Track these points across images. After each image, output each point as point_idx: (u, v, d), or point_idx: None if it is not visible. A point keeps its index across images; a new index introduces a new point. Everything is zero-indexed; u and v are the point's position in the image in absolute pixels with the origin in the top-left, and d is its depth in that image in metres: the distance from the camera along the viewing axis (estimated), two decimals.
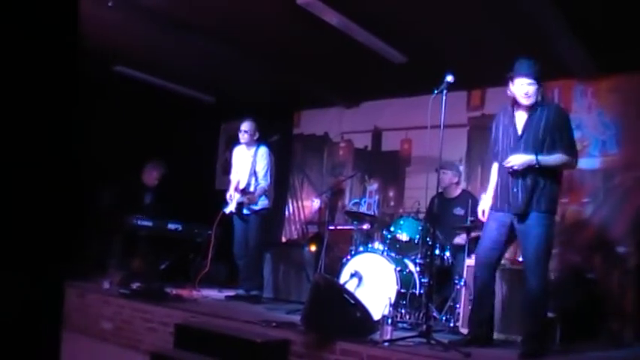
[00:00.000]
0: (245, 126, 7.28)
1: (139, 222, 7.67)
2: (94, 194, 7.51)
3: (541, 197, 4.65)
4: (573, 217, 7.18)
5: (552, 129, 4.67)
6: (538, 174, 4.66)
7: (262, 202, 7.20)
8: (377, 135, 9.31)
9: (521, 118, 4.83)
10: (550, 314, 5.26)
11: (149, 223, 7.74)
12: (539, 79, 4.72)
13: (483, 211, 5.11)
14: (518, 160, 4.71)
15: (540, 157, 4.64)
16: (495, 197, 4.97)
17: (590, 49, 6.46)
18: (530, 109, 4.78)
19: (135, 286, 6.48)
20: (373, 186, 9.07)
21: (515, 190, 4.75)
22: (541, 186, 4.66)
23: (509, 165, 4.76)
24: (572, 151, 4.73)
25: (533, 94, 4.73)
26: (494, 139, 5.03)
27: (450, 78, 4.83)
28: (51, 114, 1.15)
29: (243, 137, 7.30)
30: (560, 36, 6.07)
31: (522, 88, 4.73)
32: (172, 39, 7.49)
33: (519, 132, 4.80)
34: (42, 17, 1.18)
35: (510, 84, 4.81)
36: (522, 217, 4.70)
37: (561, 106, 5.01)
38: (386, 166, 9.09)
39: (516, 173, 4.75)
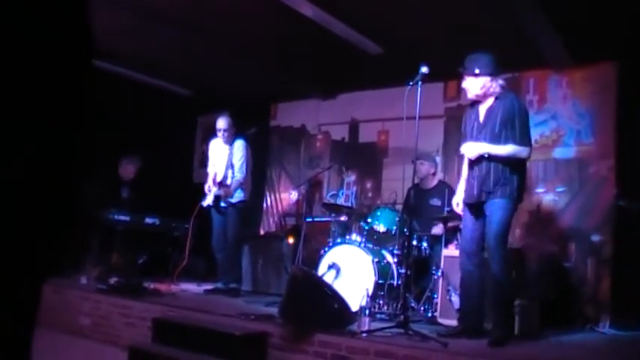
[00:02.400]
0: (222, 124, 7.24)
1: (116, 217, 7.63)
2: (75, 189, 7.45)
3: (497, 185, 4.73)
4: (548, 206, 7.24)
5: (506, 120, 4.78)
6: (494, 164, 4.76)
7: (238, 195, 7.18)
8: (354, 126, 9.31)
9: (482, 111, 4.96)
10: (526, 302, 5.33)
11: (126, 218, 7.71)
12: (490, 72, 4.86)
13: (458, 204, 5.19)
14: (469, 149, 4.85)
15: (490, 147, 4.72)
16: (464, 189, 5.08)
17: (564, 40, 6.50)
18: (491, 101, 4.91)
19: (112, 281, 6.46)
20: (351, 177, 9.08)
21: (472, 180, 4.86)
22: (498, 175, 4.74)
23: (462, 154, 4.96)
24: (523, 141, 4.78)
25: (473, 89, 4.94)
26: (463, 132, 5.16)
27: (424, 69, 4.90)
28: (33, 110, 1.15)
29: (223, 136, 7.26)
30: (534, 27, 6.10)
31: (464, 83, 4.98)
32: (148, 31, 7.44)
33: (481, 125, 4.91)
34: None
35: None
36: (483, 205, 4.79)
37: (516, 97, 5.05)
38: (363, 157, 9.10)
39: (473, 164, 4.85)
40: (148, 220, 7.95)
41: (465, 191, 5.04)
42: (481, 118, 4.95)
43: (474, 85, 4.92)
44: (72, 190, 1.26)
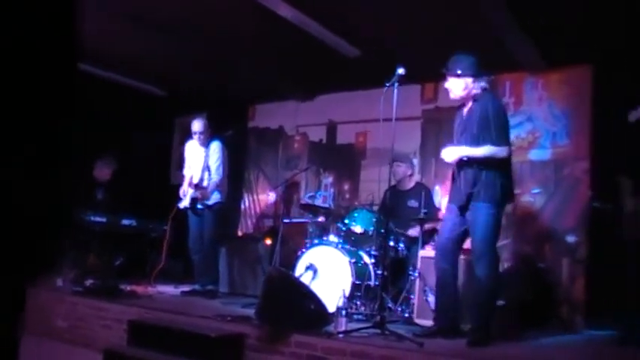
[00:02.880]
0: (197, 127, 7.25)
1: (92, 218, 7.58)
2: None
3: (482, 188, 4.74)
4: (524, 207, 7.29)
5: (483, 121, 4.80)
6: (479, 166, 4.77)
7: (215, 197, 7.17)
8: (332, 128, 9.32)
9: (464, 113, 5.02)
10: (503, 303, 5.36)
11: (102, 219, 7.66)
12: (472, 74, 4.90)
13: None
14: (447, 153, 4.88)
15: (467, 150, 4.75)
16: (449, 191, 5.11)
17: (538, 42, 6.55)
18: (471, 103, 4.93)
19: (88, 283, 6.43)
20: (328, 179, 9.09)
21: (458, 182, 4.87)
22: (483, 178, 4.75)
23: (442, 159, 4.96)
24: (500, 141, 4.79)
25: (455, 90, 4.99)
26: (453, 134, 5.16)
27: (401, 71, 4.92)
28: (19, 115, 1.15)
29: (198, 139, 7.26)
30: (510, 30, 6.15)
31: (446, 83, 5.02)
32: (123, 31, 7.40)
33: (462, 127, 4.95)
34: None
35: None
36: (468, 208, 4.81)
37: (493, 98, 5.06)
38: (341, 159, 9.10)
39: (459, 166, 4.87)
40: (125, 222, 7.90)
41: (451, 193, 5.07)
42: (464, 120, 4.99)
43: (456, 85, 4.95)
44: (60, 190, 1.26)
